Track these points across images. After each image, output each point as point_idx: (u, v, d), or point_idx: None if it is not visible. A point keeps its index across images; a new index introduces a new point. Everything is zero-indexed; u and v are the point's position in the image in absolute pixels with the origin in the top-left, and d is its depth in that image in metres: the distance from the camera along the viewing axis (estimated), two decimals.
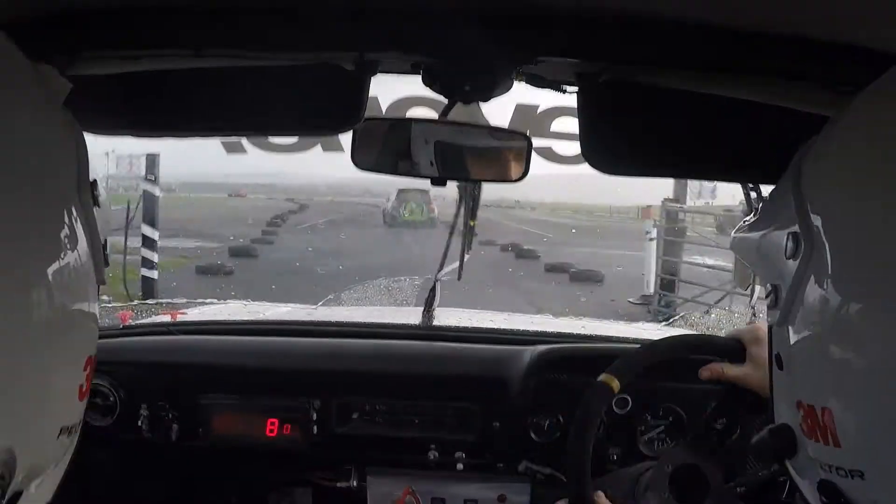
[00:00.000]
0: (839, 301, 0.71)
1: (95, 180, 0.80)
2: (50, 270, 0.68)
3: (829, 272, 0.71)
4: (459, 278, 2.26)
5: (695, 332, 1.56)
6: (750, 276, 0.95)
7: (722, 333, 1.55)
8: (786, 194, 0.80)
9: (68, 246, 0.72)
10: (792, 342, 0.78)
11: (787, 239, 0.77)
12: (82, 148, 0.78)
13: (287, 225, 21.10)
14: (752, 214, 0.95)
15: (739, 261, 0.97)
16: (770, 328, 0.85)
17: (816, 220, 0.74)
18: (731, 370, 1.34)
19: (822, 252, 0.72)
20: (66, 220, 0.73)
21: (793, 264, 0.76)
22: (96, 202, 0.79)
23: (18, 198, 0.65)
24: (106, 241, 0.83)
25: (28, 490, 0.70)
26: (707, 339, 1.50)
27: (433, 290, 2.15)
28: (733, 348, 1.36)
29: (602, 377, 1.30)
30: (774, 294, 0.81)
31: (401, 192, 17.57)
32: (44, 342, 0.68)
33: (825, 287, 0.72)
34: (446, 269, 2.22)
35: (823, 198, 0.75)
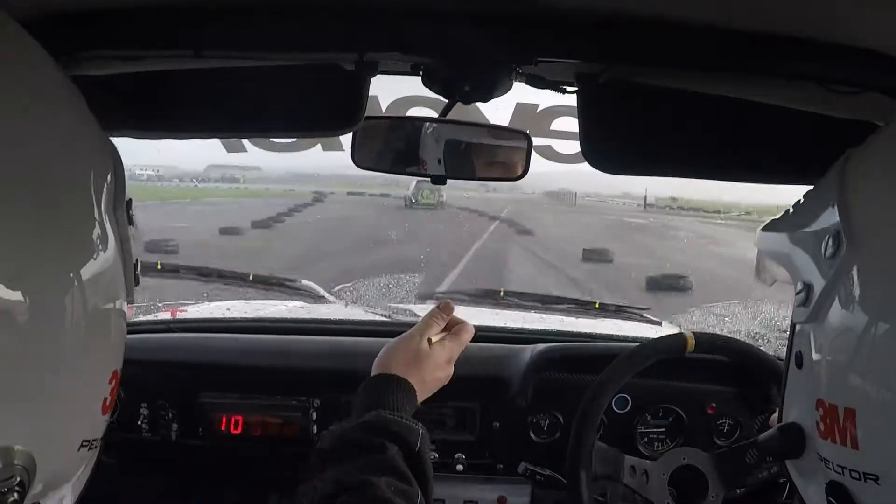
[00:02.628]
0: (879, 302, 0.70)
1: (131, 199, 0.79)
2: (83, 281, 0.68)
3: (871, 274, 0.71)
4: None
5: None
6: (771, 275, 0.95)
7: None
8: (827, 195, 0.79)
9: (102, 259, 0.71)
10: (819, 341, 0.78)
11: (828, 239, 0.76)
12: (119, 164, 0.78)
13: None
14: (781, 214, 0.94)
15: (761, 258, 0.97)
16: (792, 326, 0.84)
17: (860, 223, 0.73)
18: None
19: (865, 254, 0.72)
20: (100, 232, 0.72)
21: (830, 264, 0.75)
22: (131, 221, 0.79)
23: (53, 205, 0.64)
24: (137, 260, 0.82)
25: (46, 501, 0.70)
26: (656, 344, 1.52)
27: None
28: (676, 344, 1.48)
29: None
30: (806, 292, 0.79)
31: (418, 182, 22.86)
32: (73, 352, 0.67)
33: (865, 288, 0.72)
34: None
35: (870, 202, 0.75)
